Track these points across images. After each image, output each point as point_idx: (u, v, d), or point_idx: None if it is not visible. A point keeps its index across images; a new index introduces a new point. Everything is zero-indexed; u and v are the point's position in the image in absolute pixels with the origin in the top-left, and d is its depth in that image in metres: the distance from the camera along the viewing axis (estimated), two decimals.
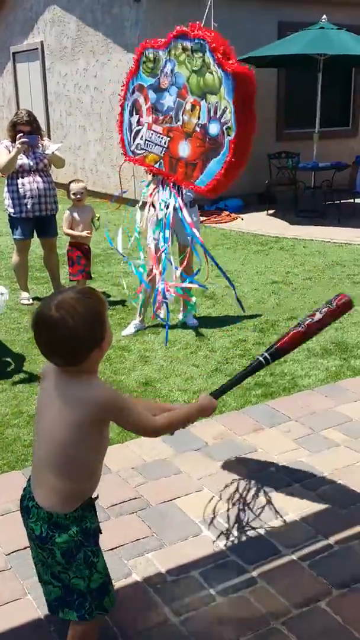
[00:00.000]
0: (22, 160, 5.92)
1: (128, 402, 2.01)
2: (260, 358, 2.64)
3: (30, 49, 13.99)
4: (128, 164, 12.24)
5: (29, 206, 6.00)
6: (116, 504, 3.07)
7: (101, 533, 2.09)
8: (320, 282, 6.85)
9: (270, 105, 11.65)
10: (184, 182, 3.06)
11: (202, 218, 8.49)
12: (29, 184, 5.97)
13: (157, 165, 3.09)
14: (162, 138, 3.03)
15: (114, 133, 11.76)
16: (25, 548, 2.77)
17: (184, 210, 5.45)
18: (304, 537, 2.83)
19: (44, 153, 6.03)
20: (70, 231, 5.98)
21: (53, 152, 6.07)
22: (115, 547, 2.77)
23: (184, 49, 2.85)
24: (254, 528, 2.90)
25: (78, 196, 5.92)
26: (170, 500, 3.11)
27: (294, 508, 3.03)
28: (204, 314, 5.93)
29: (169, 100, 2.97)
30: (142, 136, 3.03)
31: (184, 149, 2.97)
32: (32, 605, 2.47)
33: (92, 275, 6.39)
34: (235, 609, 2.44)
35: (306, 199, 10.67)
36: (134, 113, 3.05)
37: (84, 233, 5.98)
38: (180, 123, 2.96)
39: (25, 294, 6.33)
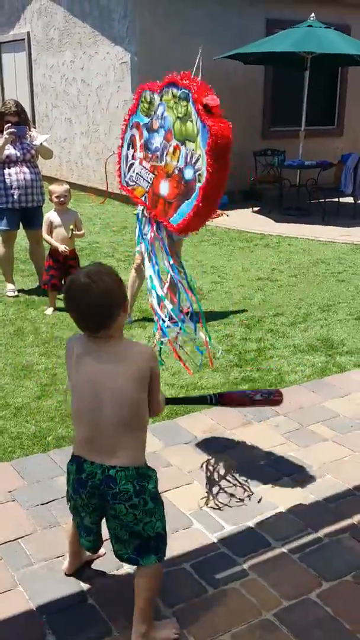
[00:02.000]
0: (9, 150, 5.88)
1: None
2: (210, 395, 3.09)
3: (16, 39, 13.87)
4: (113, 159, 12.20)
5: (15, 197, 5.96)
6: None
7: None
8: (306, 280, 6.89)
9: (256, 102, 11.68)
10: (160, 217, 3.36)
11: None
12: (16, 174, 5.93)
13: (142, 198, 3.41)
14: (149, 174, 3.37)
15: (100, 126, 11.72)
16: (15, 539, 2.77)
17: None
18: (294, 530, 2.85)
19: (31, 144, 6.00)
20: (47, 238, 5.70)
21: (41, 143, 6.04)
22: (107, 539, 2.76)
23: (173, 96, 3.12)
24: (244, 521, 2.91)
25: (61, 199, 5.61)
26: (161, 492, 3.10)
27: (284, 501, 3.05)
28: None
29: (157, 140, 3.29)
30: (134, 169, 3.37)
31: (164, 188, 3.29)
32: (24, 597, 2.47)
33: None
34: (227, 601, 2.46)
35: (291, 196, 10.72)
36: (131, 147, 3.37)
37: (62, 247, 5.62)
38: (163, 163, 3.27)
39: (10, 286, 6.28)
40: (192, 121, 3.07)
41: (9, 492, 3.11)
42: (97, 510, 2.27)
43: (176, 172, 3.20)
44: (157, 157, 3.33)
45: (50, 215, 5.69)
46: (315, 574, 2.59)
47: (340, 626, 2.35)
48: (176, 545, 2.73)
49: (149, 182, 3.41)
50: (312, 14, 10.09)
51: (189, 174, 3.10)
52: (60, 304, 5.86)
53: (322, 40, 9.46)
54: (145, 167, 3.42)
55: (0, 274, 6.54)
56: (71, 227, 5.66)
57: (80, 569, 2.59)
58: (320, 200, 10.22)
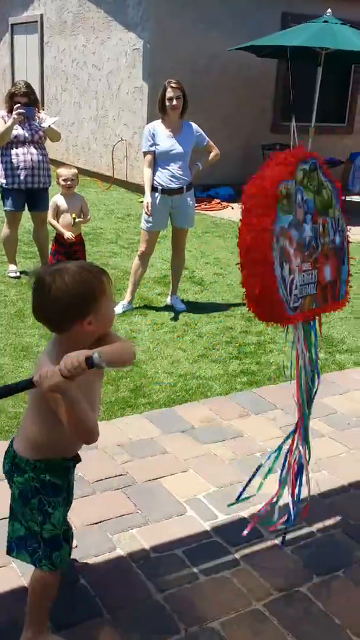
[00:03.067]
0: (17, 131, 5.86)
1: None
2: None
3: (29, 21, 13.79)
4: (122, 144, 12.13)
5: (21, 177, 5.94)
6: (102, 479, 3.07)
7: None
8: None
9: (267, 96, 11.63)
10: (331, 307, 2.78)
11: None
12: (23, 155, 5.91)
13: (313, 306, 2.68)
14: (311, 273, 2.68)
15: (109, 111, 11.67)
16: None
17: (190, 192, 5.43)
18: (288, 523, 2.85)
19: (40, 125, 5.97)
20: (52, 222, 5.62)
21: (49, 126, 6.01)
22: (100, 522, 2.78)
23: (304, 173, 2.56)
24: (237, 511, 2.92)
25: (69, 183, 5.52)
26: (156, 479, 3.12)
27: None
28: (191, 299, 5.93)
29: (307, 231, 2.63)
30: (296, 284, 2.54)
31: (328, 272, 2.69)
32: (17, 574, 2.47)
33: None
34: (218, 589, 2.46)
35: None
36: (284, 264, 2.44)
37: (67, 234, 5.52)
38: (320, 249, 2.68)
39: (12, 267, 6.27)
40: (325, 187, 2.69)
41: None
42: None
43: (330, 246, 2.75)
44: (314, 247, 2.71)
45: (57, 199, 5.64)
46: (306, 567, 2.60)
47: (329, 621, 2.35)
48: (169, 531, 2.75)
49: (314, 283, 2.71)
50: (329, 10, 10.03)
51: (338, 239, 2.73)
52: None
53: (337, 37, 9.40)
54: (306, 271, 2.71)
55: (2, 254, 6.53)
56: (73, 215, 5.56)
57: None
58: None
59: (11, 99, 5.90)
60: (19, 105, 5.80)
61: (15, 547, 2.13)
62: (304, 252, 2.61)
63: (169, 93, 5.21)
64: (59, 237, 5.65)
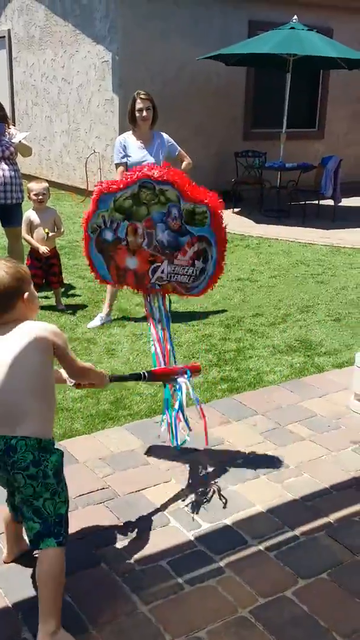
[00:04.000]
0: None
1: None
2: (143, 372, 3.11)
3: None
4: (95, 157, 12.20)
5: None
6: (84, 494, 3.05)
7: None
8: (285, 281, 6.93)
9: (238, 104, 11.72)
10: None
11: None
12: None
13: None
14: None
15: (81, 124, 11.70)
16: None
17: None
18: (271, 528, 2.86)
19: (10, 141, 5.96)
20: (27, 237, 5.67)
21: (20, 141, 6.00)
22: (83, 537, 2.76)
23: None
24: (221, 519, 2.92)
25: (40, 197, 5.58)
26: (138, 490, 3.11)
27: (261, 500, 3.06)
28: (170, 308, 5.92)
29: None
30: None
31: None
32: (0, 593, 2.45)
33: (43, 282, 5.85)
34: (204, 598, 2.46)
35: (272, 198, 10.77)
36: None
37: (42, 249, 5.60)
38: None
39: None
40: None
41: None
42: (9, 485, 2.31)
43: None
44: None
45: (30, 214, 5.64)
46: (291, 571, 2.61)
47: (315, 623, 2.36)
48: (153, 543, 2.74)
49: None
50: (295, 16, 10.16)
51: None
52: (46, 302, 5.83)
53: (304, 43, 9.52)
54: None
55: None
56: (46, 230, 5.58)
57: (23, 557, 2.59)
58: (301, 203, 10.28)
59: None
60: None
61: (38, 541, 2.21)
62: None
63: (139, 104, 5.23)
64: (33, 251, 5.65)
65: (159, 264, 3.36)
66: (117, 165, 5.38)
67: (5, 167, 5.93)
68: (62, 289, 6.21)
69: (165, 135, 5.45)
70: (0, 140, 5.91)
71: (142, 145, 5.33)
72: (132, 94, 5.43)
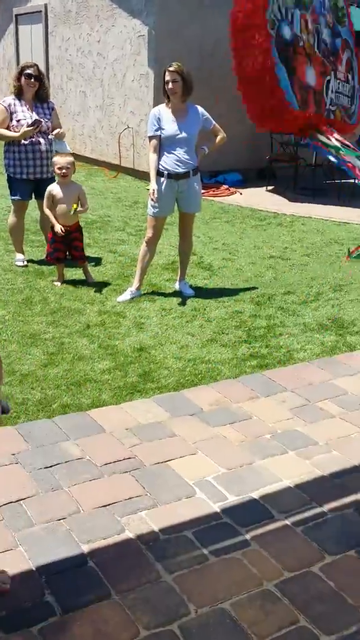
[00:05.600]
0: (27, 120, 5.82)
1: None
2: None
3: (33, 11, 13.71)
4: (128, 132, 12.12)
5: (30, 168, 5.93)
6: (110, 463, 3.04)
7: None
8: (318, 259, 6.82)
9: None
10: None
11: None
12: (31, 145, 5.88)
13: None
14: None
15: (115, 100, 11.60)
16: (17, 501, 2.76)
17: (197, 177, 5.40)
18: (298, 504, 2.82)
19: (51, 139, 5.92)
20: (47, 212, 5.57)
21: (57, 146, 5.95)
22: (109, 504, 2.75)
23: None
24: (247, 492, 2.89)
25: (63, 171, 5.44)
26: (165, 461, 3.09)
27: (289, 475, 3.02)
28: (200, 284, 5.88)
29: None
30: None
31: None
32: (24, 557, 2.45)
33: (71, 257, 5.74)
34: (228, 570, 2.43)
35: (307, 176, 10.59)
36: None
37: (57, 227, 5.46)
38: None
39: (20, 256, 6.25)
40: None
41: (13, 454, 3.09)
42: None
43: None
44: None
45: (53, 188, 5.55)
46: (318, 547, 2.57)
47: (342, 600, 2.32)
48: (178, 513, 2.72)
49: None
50: None
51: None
52: (68, 275, 5.83)
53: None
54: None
55: (9, 244, 6.51)
56: (75, 206, 5.45)
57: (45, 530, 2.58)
58: (336, 181, 10.09)
59: (21, 74, 5.87)
60: (36, 120, 5.77)
61: None
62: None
63: (166, 77, 5.19)
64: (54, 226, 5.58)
65: (329, 77, 3.09)
66: (151, 138, 5.32)
67: (42, 141, 5.91)
68: (92, 264, 6.19)
69: (199, 109, 5.36)
70: (38, 114, 5.89)
71: (175, 118, 5.25)
72: None
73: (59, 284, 5.65)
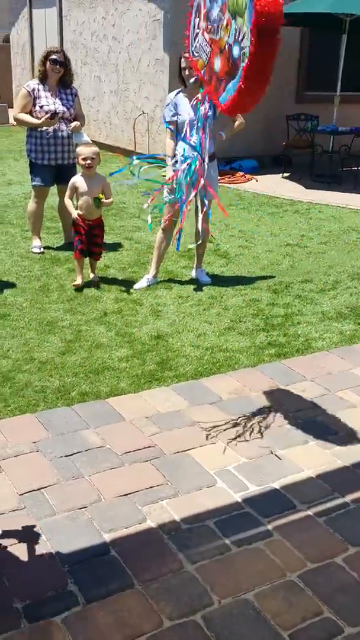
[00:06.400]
0: (49, 107, 5.79)
1: None
2: None
3: None
4: (143, 118, 12.05)
5: (52, 154, 5.91)
6: (130, 452, 3.04)
7: None
8: (336, 247, 6.76)
9: (291, 66, 11.38)
10: (212, 94, 3.20)
11: None
12: (54, 131, 5.85)
13: (202, 72, 3.26)
14: (207, 47, 3.20)
15: (130, 85, 11.53)
16: (39, 489, 2.76)
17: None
18: (320, 494, 2.80)
19: (70, 132, 5.88)
20: (67, 201, 5.38)
21: (76, 138, 5.92)
22: (130, 493, 2.75)
23: None
24: (269, 482, 2.87)
25: (88, 162, 5.22)
26: (185, 450, 3.07)
27: (310, 465, 3.00)
28: (217, 272, 5.85)
29: (215, 11, 3.07)
30: (198, 40, 3.20)
31: (217, 64, 3.12)
32: (47, 546, 2.45)
33: (99, 252, 5.53)
34: (251, 560, 2.42)
35: (323, 163, 10.49)
36: (197, 15, 3.21)
37: (74, 214, 5.25)
38: (218, 37, 3.08)
39: (37, 242, 6.23)
40: None
41: (34, 442, 3.09)
42: None
43: (226, 48, 3.00)
44: (214, 29, 3.16)
45: (77, 180, 5.36)
46: (341, 538, 2.55)
47: None
48: (199, 502, 2.71)
49: (207, 55, 3.29)
50: None
51: (235, 51, 2.89)
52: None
53: None
54: (205, 39, 3.28)
55: (26, 230, 6.49)
56: (100, 195, 5.23)
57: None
58: (353, 168, 9.99)
59: (46, 59, 5.83)
60: (54, 113, 5.74)
61: None
62: (208, 24, 3.17)
63: (183, 63, 5.12)
64: (75, 220, 5.36)
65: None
66: (168, 123, 5.27)
67: (64, 127, 5.89)
68: (108, 251, 6.15)
69: None
70: (61, 100, 5.86)
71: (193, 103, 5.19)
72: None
73: (80, 279, 5.32)
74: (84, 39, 12.76)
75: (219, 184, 5.64)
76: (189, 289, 5.39)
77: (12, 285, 5.27)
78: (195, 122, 3.21)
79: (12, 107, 8.70)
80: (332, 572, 2.38)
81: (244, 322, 4.74)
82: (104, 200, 5.26)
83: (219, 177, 5.84)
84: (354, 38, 10.46)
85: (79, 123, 5.95)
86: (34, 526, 2.55)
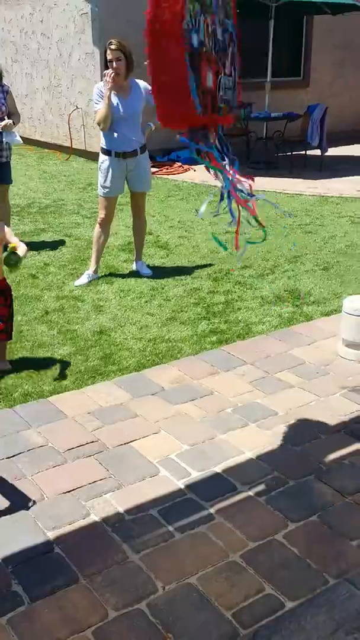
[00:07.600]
0: None
1: None
2: None
3: None
4: (77, 113, 11.95)
5: None
6: (73, 448, 3.05)
7: None
8: (273, 232, 6.85)
9: None
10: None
11: (153, 169, 8.36)
12: None
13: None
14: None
15: (62, 80, 11.43)
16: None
17: (145, 154, 5.34)
18: (260, 474, 2.86)
19: (1, 130, 5.78)
20: None
21: (7, 137, 5.82)
22: (73, 489, 2.76)
23: None
24: (210, 467, 2.92)
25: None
26: (128, 443, 3.10)
27: (250, 447, 3.06)
28: (157, 264, 5.88)
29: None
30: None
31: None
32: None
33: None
34: (194, 545, 2.46)
35: (258, 150, 10.60)
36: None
37: None
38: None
39: None
40: None
41: None
42: None
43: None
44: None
45: None
46: (281, 515, 2.61)
47: (306, 566, 2.37)
48: (143, 493, 2.74)
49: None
50: None
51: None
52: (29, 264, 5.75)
53: None
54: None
55: None
56: (13, 244, 3.52)
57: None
58: (287, 153, 10.12)
59: None
60: None
61: None
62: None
63: (108, 55, 5.07)
64: None
65: (220, 75, 2.91)
66: (97, 112, 5.23)
67: None
68: (47, 249, 6.11)
69: (142, 83, 5.26)
70: None
71: (119, 95, 5.17)
72: None
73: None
74: (12, 37, 12.58)
75: (157, 176, 5.64)
76: (130, 283, 5.40)
77: None
78: (223, 189, 2.88)
79: None
80: (273, 549, 2.44)
81: (185, 312, 4.78)
82: (19, 250, 3.50)
83: (156, 169, 5.85)
84: (281, 24, 10.58)
85: (10, 121, 5.87)
86: None
